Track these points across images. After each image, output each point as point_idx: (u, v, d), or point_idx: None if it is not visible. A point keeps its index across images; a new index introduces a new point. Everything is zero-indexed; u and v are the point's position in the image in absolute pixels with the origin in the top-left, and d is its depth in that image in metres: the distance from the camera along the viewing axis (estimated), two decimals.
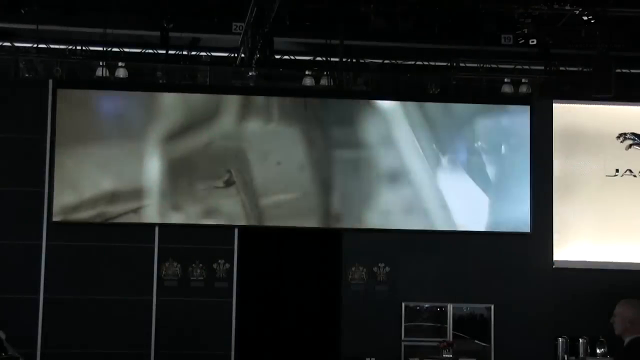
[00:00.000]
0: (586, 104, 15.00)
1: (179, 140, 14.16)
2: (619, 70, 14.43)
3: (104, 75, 14.40)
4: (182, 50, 14.64)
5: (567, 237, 14.82)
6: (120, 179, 13.98)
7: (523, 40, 14.33)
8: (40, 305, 13.70)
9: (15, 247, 13.72)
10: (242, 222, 14.21)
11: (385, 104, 14.61)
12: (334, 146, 14.45)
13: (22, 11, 13.54)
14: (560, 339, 14.43)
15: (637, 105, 15.21)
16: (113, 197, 13.92)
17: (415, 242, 14.46)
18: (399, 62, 14.92)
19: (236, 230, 14.25)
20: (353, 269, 14.41)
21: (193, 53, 14.77)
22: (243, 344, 14.01)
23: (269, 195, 14.22)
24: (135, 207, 13.96)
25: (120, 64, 14.45)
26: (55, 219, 13.81)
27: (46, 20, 13.89)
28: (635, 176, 15.09)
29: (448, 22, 14.14)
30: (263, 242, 14.34)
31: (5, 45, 14.33)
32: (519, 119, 14.71)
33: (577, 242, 14.88)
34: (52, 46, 14.36)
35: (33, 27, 13.88)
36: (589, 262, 14.75)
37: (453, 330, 14.34)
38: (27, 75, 14.64)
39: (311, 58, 14.96)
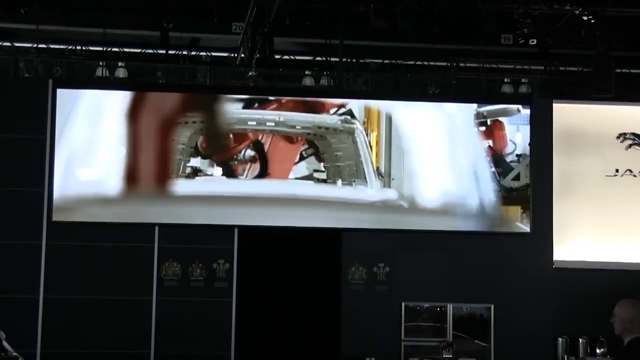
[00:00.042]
0: (586, 104, 15.02)
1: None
2: (619, 70, 14.45)
3: (104, 75, 14.41)
4: (182, 50, 14.67)
5: (567, 237, 14.82)
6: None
7: (523, 40, 14.35)
8: (40, 305, 13.69)
9: (15, 247, 13.72)
10: (242, 222, 14.23)
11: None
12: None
13: (22, 11, 13.57)
14: (560, 339, 14.44)
15: (637, 105, 15.21)
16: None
17: (415, 242, 14.46)
18: (399, 62, 14.94)
19: (236, 230, 14.25)
20: (353, 269, 14.41)
21: (193, 53, 14.80)
22: (243, 344, 14.01)
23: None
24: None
25: (120, 64, 14.48)
26: (55, 218, 13.83)
27: (46, 20, 13.91)
28: (635, 176, 15.10)
29: (448, 22, 14.15)
30: (263, 242, 14.34)
31: (5, 45, 14.35)
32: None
33: (577, 242, 14.88)
34: (52, 46, 14.40)
35: (33, 27, 13.90)
36: (589, 262, 14.76)
37: (453, 330, 14.33)
38: (27, 75, 14.67)
39: (311, 58, 14.98)
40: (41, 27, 13.95)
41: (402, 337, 14.25)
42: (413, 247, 14.41)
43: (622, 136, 15.12)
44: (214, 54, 14.90)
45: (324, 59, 14.84)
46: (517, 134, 14.75)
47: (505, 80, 15.21)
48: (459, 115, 14.76)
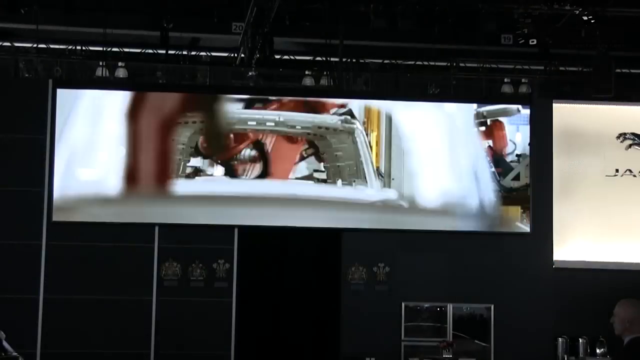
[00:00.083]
0: (586, 104, 15.02)
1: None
2: (619, 70, 14.45)
3: (104, 75, 14.41)
4: (182, 50, 14.67)
5: (567, 237, 14.82)
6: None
7: (523, 40, 14.35)
8: (40, 305, 13.69)
9: (15, 247, 13.72)
10: (242, 222, 14.24)
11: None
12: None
13: (22, 11, 13.57)
14: (560, 339, 14.44)
15: (637, 105, 15.21)
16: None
17: (415, 242, 14.46)
18: (399, 62, 14.94)
19: (236, 230, 14.25)
20: (353, 269, 14.41)
21: (193, 53, 14.80)
22: (243, 344, 14.01)
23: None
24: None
25: (120, 64, 14.48)
26: (55, 218, 13.84)
27: (46, 20, 13.92)
28: (635, 176, 15.10)
29: (448, 22, 14.15)
30: (263, 242, 14.34)
31: (5, 45, 14.35)
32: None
33: (577, 242, 14.88)
34: (52, 46, 14.40)
35: (33, 27, 13.90)
36: (589, 262, 14.75)
37: (453, 330, 14.33)
38: (27, 75, 14.67)
39: (311, 58, 14.98)
40: (41, 27, 13.95)
41: (402, 337, 14.25)
42: (413, 247, 14.41)
43: (622, 136, 15.12)
44: (214, 54, 14.90)
45: (324, 59, 14.84)
46: (517, 134, 14.75)
47: (505, 80, 15.22)
48: (459, 115, 14.76)
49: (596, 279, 14.41)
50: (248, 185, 14.26)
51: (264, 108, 14.39)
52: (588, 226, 14.94)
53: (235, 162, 14.31)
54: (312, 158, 14.41)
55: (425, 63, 14.93)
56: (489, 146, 14.70)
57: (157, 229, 14.10)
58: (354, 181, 14.40)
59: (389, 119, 14.52)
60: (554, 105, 14.98)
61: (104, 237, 13.83)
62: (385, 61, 14.96)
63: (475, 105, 14.74)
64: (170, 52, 14.54)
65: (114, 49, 14.36)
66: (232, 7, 13.84)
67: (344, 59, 14.52)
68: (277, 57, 14.23)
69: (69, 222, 13.84)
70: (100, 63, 14.43)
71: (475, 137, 14.70)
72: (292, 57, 14.94)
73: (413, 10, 13.90)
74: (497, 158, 14.69)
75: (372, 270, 14.43)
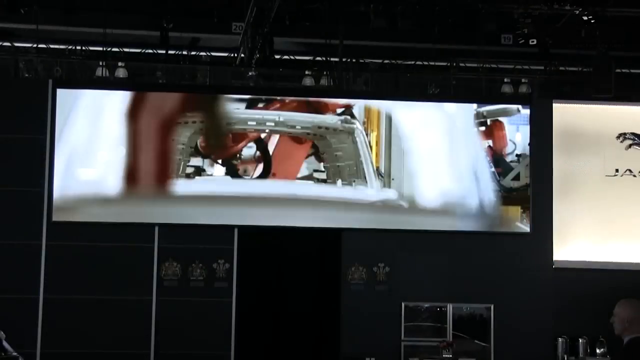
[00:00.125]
0: (586, 104, 15.02)
1: None
2: (619, 70, 14.45)
3: (104, 75, 14.41)
4: (182, 50, 14.67)
5: (567, 237, 14.82)
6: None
7: (523, 40, 14.35)
8: (40, 305, 13.69)
9: (15, 247, 13.72)
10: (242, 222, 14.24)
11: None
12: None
13: (22, 11, 13.56)
14: (560, 339, 14.44)
15: (637, 105, 15.21)
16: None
17: (415, 242, 14.45)
18: (399, 62, 14.94)
19: (236, 230, 14.25)
20: (353, 268, 14.41)
21: (193, 53, 14.80)
22: (243, 344, 14.01)
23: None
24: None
25: (120, 64, 14.48)
26: (55, 218, 13.84)
27: (46, 20, 13.92)
28: (635, 176, 15.10)
29: (448, 22, 14.15)
30: (263, 242, 14.34)
31: (5, 45, 14.35)
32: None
33: (577, 242, 14.88)
34: (52, 46, 14.40)
35: (33, 27, 13.90)
36: (589, 262, 14.75)
37: (453, 330, 14.33)
38: (27, 75, 14.66)
39: (311, 58, 14.97)
40: (41, 27, 13.95)
41: (402, 337, 14.25)
42: (413, 247, 14.41)
43: (622, 136, 15.12)
44: (214, 54, 14.90)
45: (324, 59, 14.84)
46: (517, 134, 14.75)
47: (505, 80, 15.21)
48: (459, 115, 14.77)
49: (596, 279, 14.41)
50: (248, 185, 14.26)
51: (267, 108, 14.40)
52: (588, 226, 14.94)
53: (237, 162, 14.31)
54: (312, 158, 14.41)
55: (425, 63, 14.92)
56: (489, 146, 14.71)
57: (157, 229, 14.10)
58: (354, 181, 14.40)
59: (389, 119, 14.52)
60: (554, 105, 14.98)
61: (104, 237, 13.83)
62: (385, 61, 14.96)
63: (475, 105, 14.75)
64: (170, 52, 14.54)
65: (114, 49, 14.36)
66: (232, 7, 13.84)
67: (344, 59, 14.52)
68: (277, 57, 14.23)
69: (68, 222, 13.84)
70: (100, 63, 14.43)
71: (475, 137, 14.70)
72: (292, 57, 14.93)
73: (413, 10, 13.89)
74: (497, 158, 14.69)
75: (372, 270, 14.43)
